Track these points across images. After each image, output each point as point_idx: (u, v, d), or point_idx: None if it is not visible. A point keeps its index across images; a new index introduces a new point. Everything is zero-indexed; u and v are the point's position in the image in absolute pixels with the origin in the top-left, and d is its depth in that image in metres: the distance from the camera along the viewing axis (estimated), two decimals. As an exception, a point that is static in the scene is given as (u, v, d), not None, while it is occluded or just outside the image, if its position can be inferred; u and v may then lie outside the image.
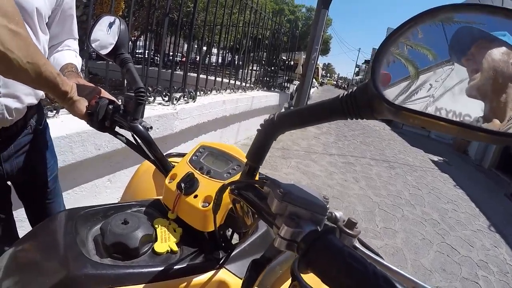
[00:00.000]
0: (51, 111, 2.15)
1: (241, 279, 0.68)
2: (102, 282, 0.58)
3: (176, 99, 3.33)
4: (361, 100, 0.41)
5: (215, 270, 0.68)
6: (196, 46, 11.49)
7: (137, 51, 11.15)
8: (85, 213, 0.73)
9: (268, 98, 6.61)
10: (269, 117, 0.52)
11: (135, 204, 0.80)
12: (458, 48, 0.39)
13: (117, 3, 6.54)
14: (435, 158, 8.80)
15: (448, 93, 0.38)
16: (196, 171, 0.76)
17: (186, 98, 3.53)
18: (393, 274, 0.42)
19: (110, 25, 0.99)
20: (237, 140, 5.72)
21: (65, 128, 2.01)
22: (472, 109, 0.37)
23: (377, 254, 0.47)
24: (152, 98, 3.10)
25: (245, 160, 0.78)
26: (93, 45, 1.00)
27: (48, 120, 2.05)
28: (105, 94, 0.99)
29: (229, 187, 0.58)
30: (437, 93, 0.39)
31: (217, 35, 4.82)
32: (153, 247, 0.66)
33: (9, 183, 1.22)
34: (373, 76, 0.39)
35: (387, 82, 0.41)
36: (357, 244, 0.46)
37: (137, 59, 8.63)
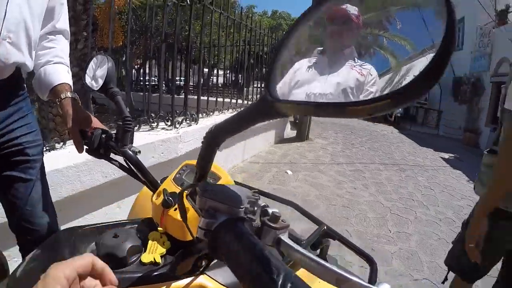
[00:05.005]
0: (58, 143, 2.28)
1: (222, 284, 0.74)
2: None
3: (178, 123, 3.45)
4: (267, 104, 0.42)
5: (195, 276, 0.73)
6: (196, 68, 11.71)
7: (141, 78, 11.34)
8: (83, 231, 0.81)
9: (272, 113, 6.60)
10: (209, 129, 0.58)
11: (129, 222, 0.88)
12: None
13: (116, 34, 6.71)
14: (446, 155, 8.64)
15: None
16: (178, 187, 0.85)
17: (188, 121, 3.65)
18: (318, 265, 0.44)
19: (101, 63, 1.09)
20: (244, 159, 5.66)
21: (73, 158, 2.13)
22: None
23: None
24: (155, 123, 3.23)
25: (223, 175, 0.86)
26: (87, 82, 1.10)
27: (55, 152, 2.18)
28: (99, 124, 1.11)
29: (185, 194, 0.64)
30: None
31: (216, 56, 4.92)
32: (141, 258, 0.73)
33: None
34: (267, 84, 0.42)
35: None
36: (284, 238, 0.48)
37: (142, 87, 8.80)
